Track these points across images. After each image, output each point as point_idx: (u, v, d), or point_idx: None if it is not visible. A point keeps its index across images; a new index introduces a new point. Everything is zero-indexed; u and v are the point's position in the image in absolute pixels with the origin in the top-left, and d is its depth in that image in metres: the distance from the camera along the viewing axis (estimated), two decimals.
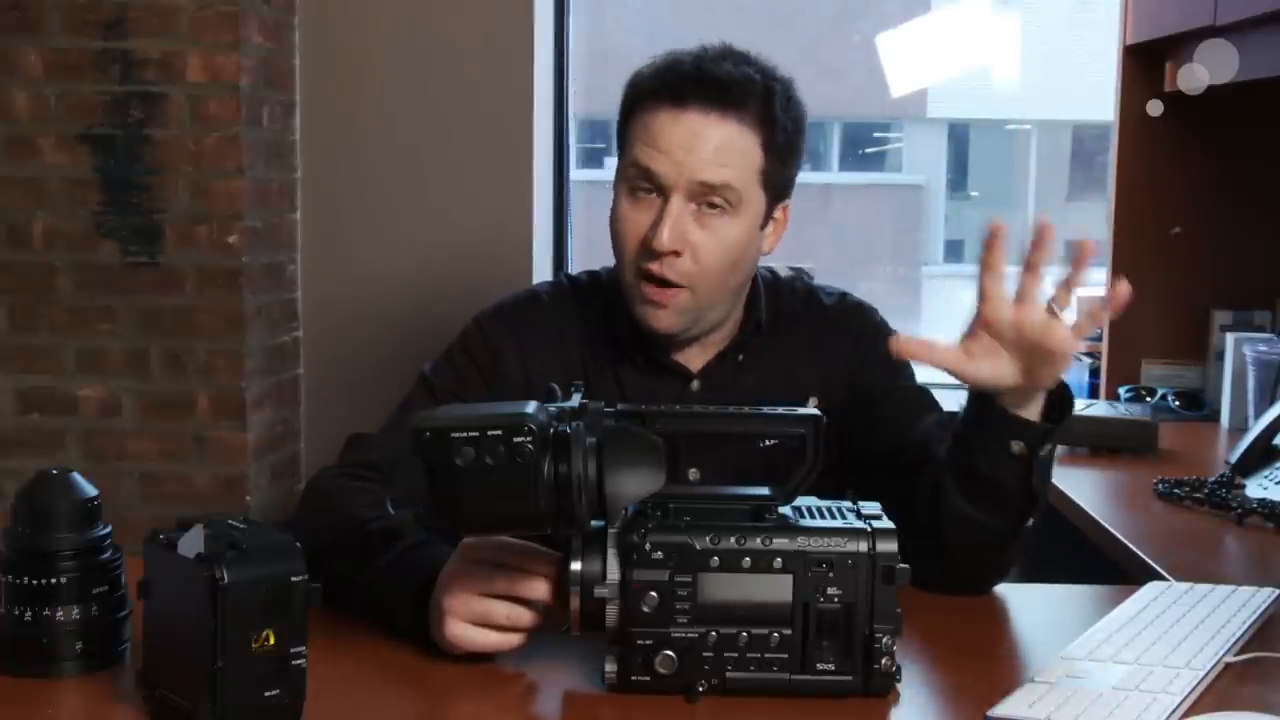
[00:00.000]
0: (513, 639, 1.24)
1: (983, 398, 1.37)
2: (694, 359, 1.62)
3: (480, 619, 1.23)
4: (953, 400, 1.50)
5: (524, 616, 1.24)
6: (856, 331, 1.65)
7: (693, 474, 1.46)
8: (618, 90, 1.60)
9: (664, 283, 1.52)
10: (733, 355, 1.63)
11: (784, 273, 1.71)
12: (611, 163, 1.62)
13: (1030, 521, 1.41)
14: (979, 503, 1.40)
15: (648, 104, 1.53)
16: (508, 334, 1.63)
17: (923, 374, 1.69)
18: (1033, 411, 1.36)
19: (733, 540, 1.16)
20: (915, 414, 1.59)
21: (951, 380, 1.40)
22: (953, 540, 1.42)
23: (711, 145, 1.50)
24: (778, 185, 1.57)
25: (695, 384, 1.62)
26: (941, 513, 1.42)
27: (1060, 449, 2.29)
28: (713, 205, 1.51)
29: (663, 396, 1.58)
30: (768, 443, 1.23)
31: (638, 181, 1.53)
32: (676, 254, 1.51)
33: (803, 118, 1.59)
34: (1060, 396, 1.37)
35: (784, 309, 1.66)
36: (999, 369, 1.33)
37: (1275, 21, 2.17)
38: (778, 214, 1.60)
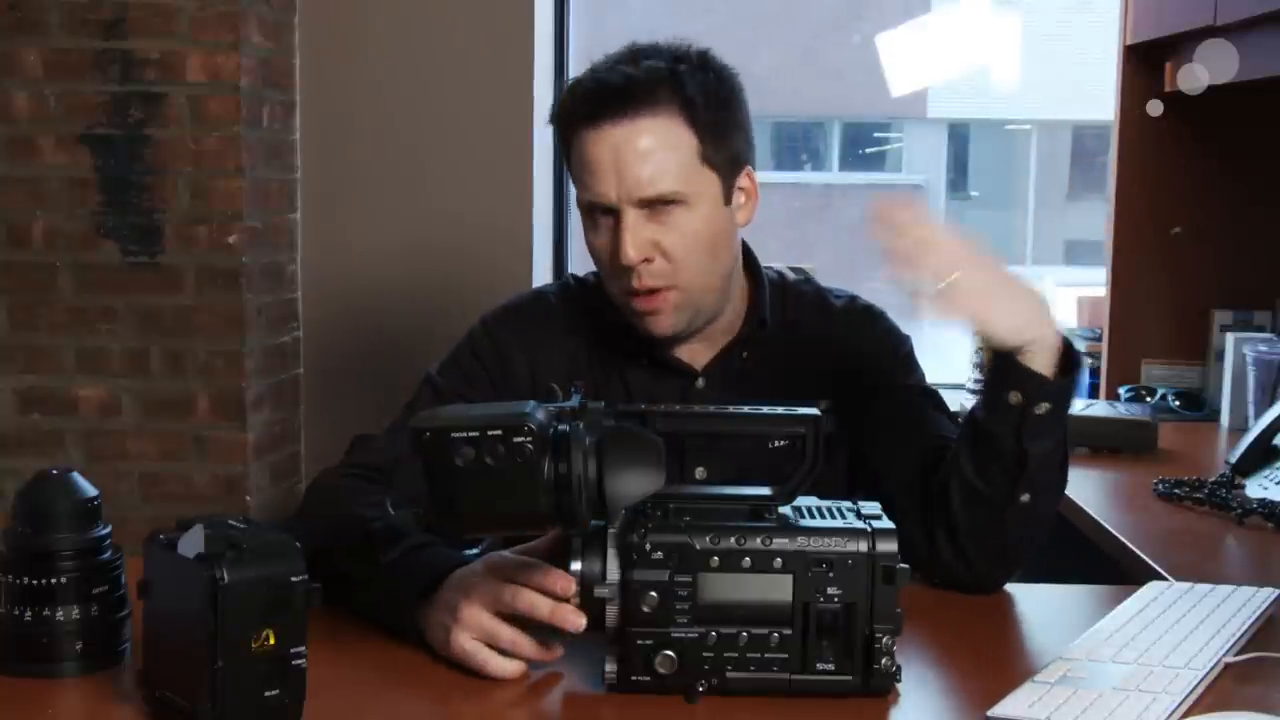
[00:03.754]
0: (509, 667, 1.23)
1: (1000, 354, 1.40)
2: (698, 355, 1.62)
3: (485, 637, 1.23)
4: (956, 401, 1.51)
5: (526, 648, 1.23)
6: (866, 335, 1.65)
7: (699, 472, 1.47)
8: None
9: (649, 292, 1.52)
10: (737, 352, 1.62)
11: (791, 275, 1.71)
12: None
13: (1026, 497, 1.41)
14: (979, 462, 1.42)
15: (571, 134, 1.54)
16: (514, 335, 1.63)
17: (932, 377, 1.70)
18: (1038, 366, 1.38)
19: (733, 540, 1.16)
20: (929, 417, 1.59)
21: (954, 381, 1.41)
22: (955, 509, 1.43)
23: (638, 152, 1.49)
24: (724, 160, 1.54)
25: (700, 382, 1.61)
26: (951, 479, 1.44)
27: None
28: (665, 202, 1.51)
29: (668, 396, 1.58)
30: (777, 443, 1.23)
31: (590, 210, 1.54)
32: (648, 261, 1.51)
33: (728, 81, 1.56)
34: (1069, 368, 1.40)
35: (792, 311, 1.66)
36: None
37: (1275, 21, 2.17)
38: (744, 183, 1.58)
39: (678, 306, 1.54)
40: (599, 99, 1.51)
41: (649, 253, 1.51)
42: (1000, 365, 1.40)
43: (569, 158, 1.56)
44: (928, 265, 1.34)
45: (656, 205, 1.50)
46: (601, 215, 1.53)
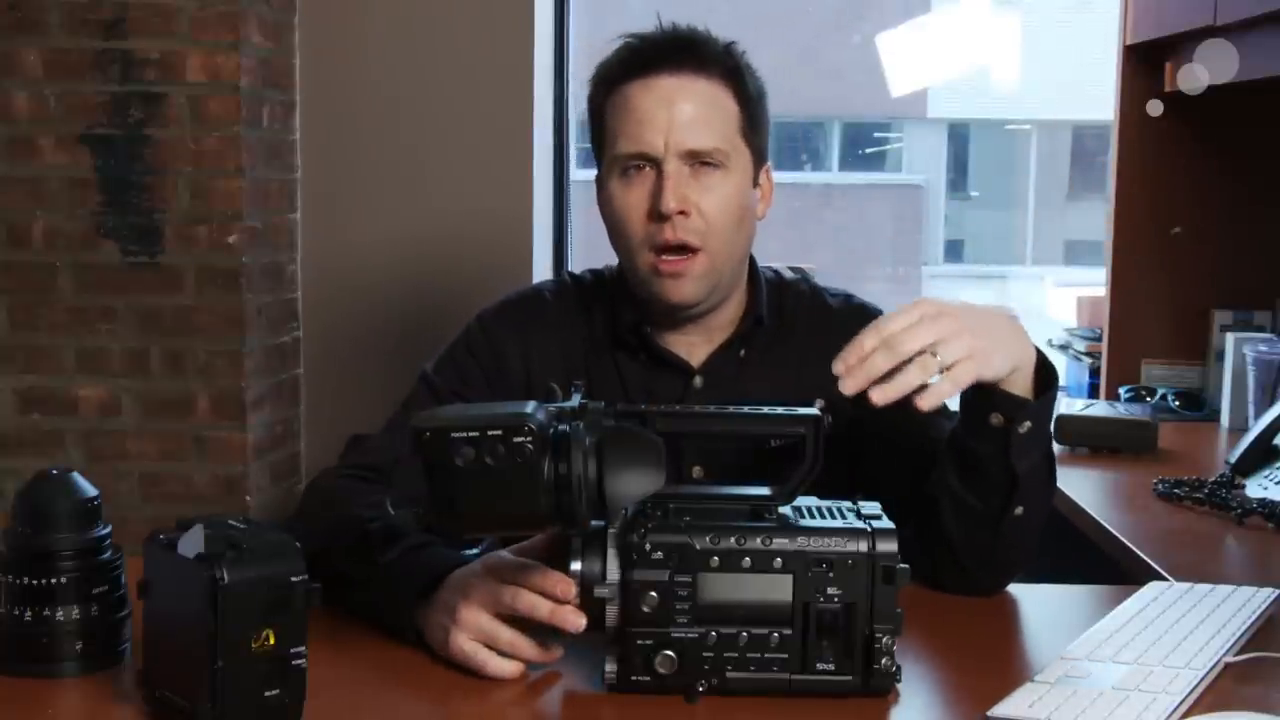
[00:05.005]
0: (508, 668, 1.23)
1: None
2: (695, 350, 1.62)
3: (484, 638, 1.23)
4: (953, 401, 1.50)
5: (525, 649, 1.23)
6: None
7: (697, 471, 1.47)
8: None
9: (679, 249, 1.52)
10: (735, 349, 1.62)
11: (787, 273, 1.71)
12: None
13: (1019, 510, 1.40)
14: (967, 481, 1.41)
15: (618, 87, 1.55)
16: (510, 332, 1.63)
17: None
18: (1017, 388, 1.36)
19: (733, 540, 1.16)
20: (929, 419, 1.59)
21: None
22: (948, 524, 1.42)
23: (689, 107, 1.52)
24: (756, 144, 1.58)
25: (698, 380, 1.62)
26: (939, 495, 1.43)
27: (1060, 448, 2.30)
28: (705, 163, 1.53)
29: (665, 394, 1.58)
30: (776, 443, 1.23)
31: (629, 164, 1.54)
32: (684, 214, 1.52)
33: (763, 86, 1.61)
34: (1047, 383, 1.38)
35: (788, 309, 1.66)
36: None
37: (1275, 21, 2.17)
38: (762, 179, 1.61)
39: (701, 274, 1.54)
40: (657, 50, 1.54)
41: (686, 206, 1.52)
42: (976, 389, 1.37)
43: (603, 117, 1.57)
44: (910, 358, 1.27)
45: (698, 164, 1.52)
46: (637, 171, 1.53)
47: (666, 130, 1.51)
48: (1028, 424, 1.37)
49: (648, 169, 1.53)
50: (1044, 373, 1.38)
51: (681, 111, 1.52)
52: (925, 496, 1.45)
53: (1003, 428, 1.36)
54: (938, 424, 1.58)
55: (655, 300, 1.56)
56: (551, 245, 3.18)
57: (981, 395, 1.37)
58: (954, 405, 1.49)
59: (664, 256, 1.53)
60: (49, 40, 2.76)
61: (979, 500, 1.41)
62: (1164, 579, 1.56)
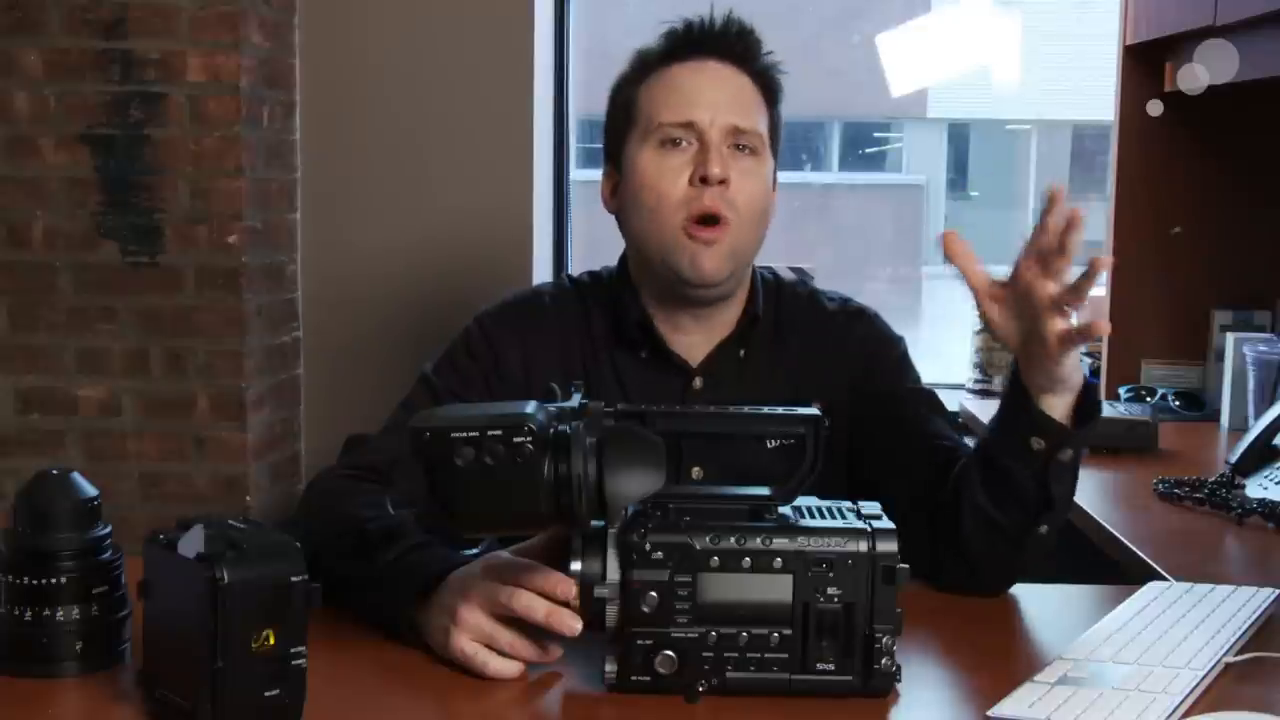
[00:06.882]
0: (509, 668, 1.23)
1: (1017, 392, 1.38)
2: (695, 350, 1.62)
3: (483, 639, 1.23)
4: (954, 401, 1.50)
5: (525, 650, 1.23)
6: (861, 338, 1.65)
7: (696, 472, 1.47)
8: None
9: (713, 220, 1.53)
10: (734, 348, 1.63)
11: (785, 275, 1.71)
12: None
13: (1044, 529, 1.41)
14: (996, 497, 1.41)
15: (665, 66, 1.59)
16: (510, 333, 1.63)
17: (932, 377, 1.70)
18: (1060, 414, 1.37)
19: (733, 540, 1.16)
20: (928, 415, 1.59)
21: (954, 382, 1.41)
22: (969, 534, 1.42)
23: (734, 92, 1.57)
24: (775, 147, 1.62)
25: (698, 381, 1.62)
26: (962, 505, 1.43)
27: None
28: (740, 148, 1.56)
29: (665, 395, 1.58)
30: (774, 444, 1.23)
31: (670, 134, 1.55)
32: (725, 184, 1.53)
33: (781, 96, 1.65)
34: (1090, 412, 1.38)
35: (786, 311, 1.66)
36: (1006, 326, 1.36)
37: (1275, 21, 2.17)
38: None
39: (728, 251, 1.55)
40: (712, 36, 1.59)
41: (729, 176, 1.54)
42: (1017, 405, 1.38)
43: (636, 98, 1.59)
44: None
45: (736, 146, 1.55)
46: (676, 145, 1.55)
47: (713, 104, 1.55)
48: (1069, 452, 1.37)
49: (687, 142, 1.55)
50: (1085, 403, 1.38)
51: (728, 97, 1.56)
52: (942, 502, 1.45)
53: (1043, 452, 1.37)
54: (939, 425, 1.58)
55: (678, 274, 1.55)
56: (551, 245, 3.18)
57: (1023, 414, 1.37)
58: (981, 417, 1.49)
59: (697, 226, 1.53)
60: (49, 40, 2.76)
61: (1004, 515, 1.41)
62: (1164, 579, 1.56)
